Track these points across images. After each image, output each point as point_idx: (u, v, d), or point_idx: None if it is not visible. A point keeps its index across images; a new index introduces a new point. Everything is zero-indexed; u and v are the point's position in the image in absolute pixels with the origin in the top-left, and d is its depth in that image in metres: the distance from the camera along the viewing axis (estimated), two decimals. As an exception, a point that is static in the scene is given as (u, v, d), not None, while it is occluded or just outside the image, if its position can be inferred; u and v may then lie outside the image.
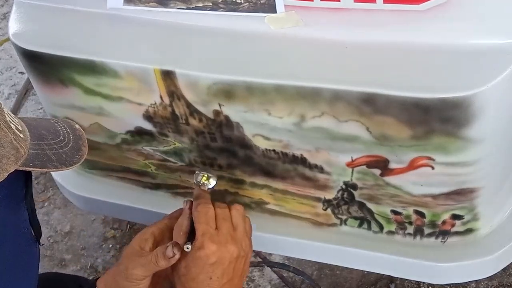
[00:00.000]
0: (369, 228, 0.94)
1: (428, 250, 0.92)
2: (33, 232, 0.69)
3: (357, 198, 0.90)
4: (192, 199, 0.84)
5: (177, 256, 0.75)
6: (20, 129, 0.61)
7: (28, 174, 0.66)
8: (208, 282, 0.75)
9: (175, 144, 0.93)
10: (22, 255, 0.68)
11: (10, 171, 0.58)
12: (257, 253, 1.19)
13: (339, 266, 1.14)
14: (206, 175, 0.85)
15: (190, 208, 0.81)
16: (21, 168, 0.60)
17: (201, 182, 0.85)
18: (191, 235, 0.78)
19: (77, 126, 0.73)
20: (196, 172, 0.86)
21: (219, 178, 0.96)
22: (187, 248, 0.75)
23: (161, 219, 0.86)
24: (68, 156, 0.66)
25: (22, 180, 0.65)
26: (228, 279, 0.76)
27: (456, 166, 0.79)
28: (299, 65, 0.78)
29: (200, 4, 0.83)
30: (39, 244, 0.72)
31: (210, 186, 0.85)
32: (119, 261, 0.81)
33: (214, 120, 0.84)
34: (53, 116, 0.98)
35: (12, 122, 0.60)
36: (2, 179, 0.58)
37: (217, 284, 0.75)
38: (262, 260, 1.18)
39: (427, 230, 0.91)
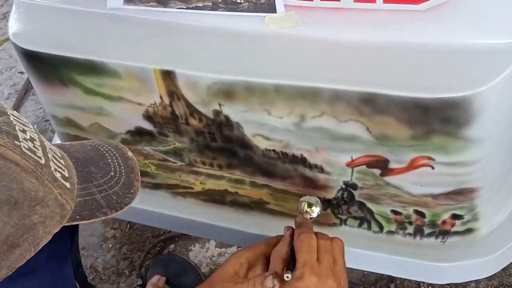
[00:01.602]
0: (369, 228, 0.94)
1: (428, 250, 0.92)
2: (77, 285, 0.66)
3: (357, 198, 0.90)
4: (293, 226, 0.81)
5: (277, 287, 0.71)
6: (67, 175, 0.55)
7: (74, 225, 0.58)
8: None
9: (175, 144, 0.93)
10: None
11: (55, 232, 0.53)
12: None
13: (339, 266, 1.13)
14: (308, 203, 0.82)
15: (291, 235, 0.78)
16: (66, 224, 0.54)
17: (304, 210, 0.82)
18: (290, 263, 0.75)
19: (129, 154, 0.66)
20: (301, 199, 0.83)
21: (219, 178, 0.97)
22: (287, 277, 0.71)
23: (257, 244, 0.81)
24: (119, 197, 0.60)
25: (67, 234, 0.58)
26: None
27: (456, 166, 0.79)
28: (299, 65, 0.78)
29: (200, 4, 0.83)
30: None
31: (314, 215, 0.82)
32: (208, 281, 0.77)
33: (214, 120, 0.84)
34: (54, 116, 0.98)
35: (58, 169, 0.54)
36: (46, 242, 0.52)
37: None
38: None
39: (427, 230, 0.91)
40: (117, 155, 0.64)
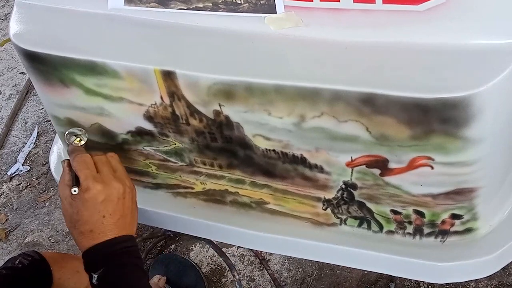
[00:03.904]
0: (369, 227, 0.94)
1: (428, 250, 0.92)
2: None
3: (356, 198, 0.90)
4: (68, 158, 0.86)
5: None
6: None
7: None
8: (102, 220, 0.78)
9: (175, 144, 0.93)
10: None
11: None
12: (257, 253, 1.20)
13: (339, 266, 1.14)
14: (78, 138, 0.88)
15: (68, 165, 0.84)
16: None
17: (74, 143, 0.88)
18: (75, 185, 0.81)
19: None
20: (66, 132, 0.89)
21: (219, 178, 0.97)
22: (74, 191, 0.78)
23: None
24: None
25: None
26: (120, 215, 0.80)
27: (456, 166, 0.79)
28: (299, 65, 0.78)
29: (200, 5, 0.83)
30: None
31: (83, 143, 0.88)
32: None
33: (214, 120, 0.85)
34: (55, 116, 0.99)
35: None
36: None
37: (111, 221, 0.78)
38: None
39: (426, 230, 0.91)
40: None
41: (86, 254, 0.78)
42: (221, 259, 1.23)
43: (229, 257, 1.23)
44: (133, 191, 0.84)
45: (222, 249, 1.24)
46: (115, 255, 0.77)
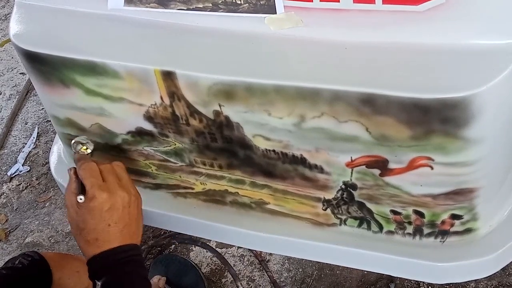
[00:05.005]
0: (369, 228, 0.94)
1: (428, 250, 0.92)
2: None
3: (356, 198, 0.90)
4: (74, 167, 0.86)
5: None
6: None
7: None
8: (108, 229, 0.78)
9: (175, 145, 0.93)
10: None
11: None
12: (257, 254, 1.20)
13: (339, 266, 1.14)
14: (85, 146, 0.89)
15: (75, 173, 0.84)
16: None
17: (81, 151, 0.89)
18: (81, 193, 0.81)
19: None
20: (73, 141, 0.89)
21: (219, 178, 0.97)
22: (80, 199, 0.78)
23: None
24: None
25: None
26: (125, 224, 0.80)
27: (455, 166, 0.79)
28: (299, 66, 0.78)
29: (200, 5, 0.83)
30: None
31: (89, 151, 0.89)
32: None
33: (214, 121, 0.85)
34: (55, 117, 0.99)
35: None
36: None
37: (116, 229, 0.78)
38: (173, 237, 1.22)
39: (426, 230, 0.91)
40: None
41: (90, 262, 0.78)
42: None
43: (228, 257, 1.23)
44: (139, 199, 0.84)
45: (222, 249, 1.24)
46: (119, 263, 0.77)
